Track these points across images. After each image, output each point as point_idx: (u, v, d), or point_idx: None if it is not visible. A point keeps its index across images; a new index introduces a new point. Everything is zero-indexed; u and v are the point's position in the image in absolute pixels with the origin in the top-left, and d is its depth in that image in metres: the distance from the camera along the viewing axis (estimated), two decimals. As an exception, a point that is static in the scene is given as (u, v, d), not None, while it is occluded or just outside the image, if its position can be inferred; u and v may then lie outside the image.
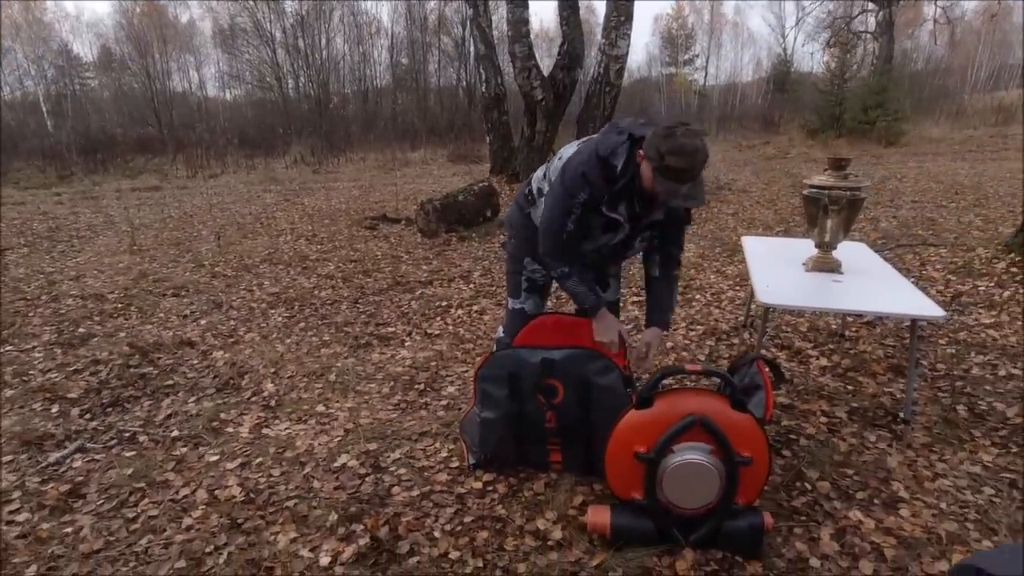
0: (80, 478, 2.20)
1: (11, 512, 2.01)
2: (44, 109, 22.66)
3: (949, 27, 21.93)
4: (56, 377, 3.05)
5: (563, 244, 1.90)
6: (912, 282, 2.65)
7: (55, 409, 2.73)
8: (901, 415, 2.34)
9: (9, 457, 2.34)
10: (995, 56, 30.31)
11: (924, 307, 2.10)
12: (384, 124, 21.24)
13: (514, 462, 2.12)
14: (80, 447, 2.40)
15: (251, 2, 23.70)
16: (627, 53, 8.03)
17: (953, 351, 2.97)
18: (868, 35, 20.96)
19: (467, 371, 3.00)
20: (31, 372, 3.13)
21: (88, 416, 2.68)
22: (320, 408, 2.69)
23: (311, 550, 1.79)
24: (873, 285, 2.39)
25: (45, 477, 2.21)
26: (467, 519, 1.90)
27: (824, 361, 2.92)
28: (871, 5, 19.83)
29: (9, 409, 2.73)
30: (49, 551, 1.81)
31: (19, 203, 9.56)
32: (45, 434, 2.49)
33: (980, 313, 3.42)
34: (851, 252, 2.79)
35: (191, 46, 27.69)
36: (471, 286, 4.46)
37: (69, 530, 1.91)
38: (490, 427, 2.05)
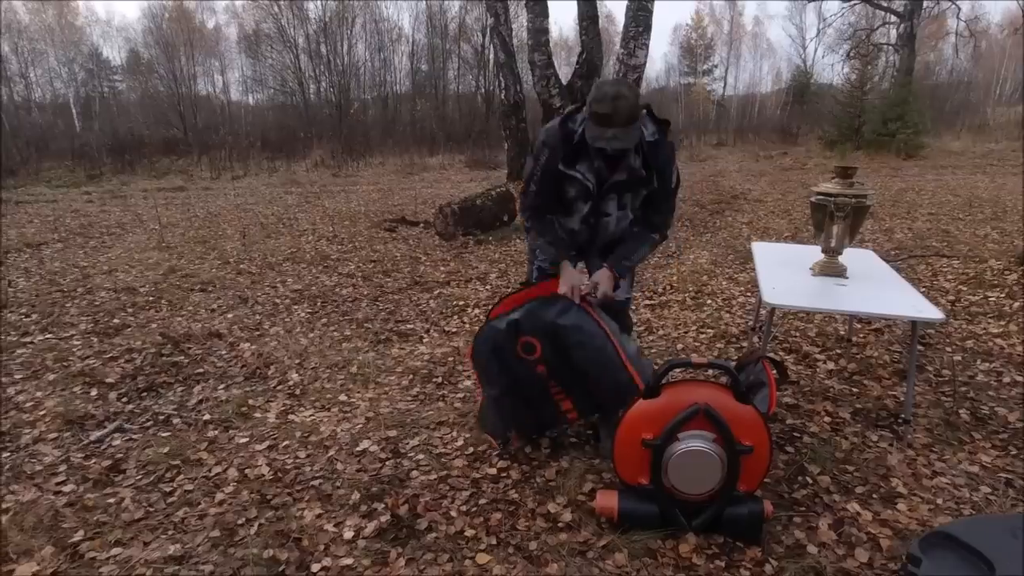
0: (120, 455, 2.34)
1: (58, 483, 2.15)
2: (74, 111, 23.30)
3: (973, 40, 21.75)
4: (94, 363, 3.22)
5: (532, 204, 2.09)
6: (922, 291, 2.72)
7: (94, 392, 2.89)
8: (902, 416, 2.42)
9: (54, 434, 2.50)
10: (1020, 70, 29.89)
11: (923, 309, 2.19)
12: (403, 129, 21.55)
13: (534, 429, 2.23)
14: (119, 427, 2.56)
15: (277, 7, 24.23)
16: (645, 63, 8.12)
17: (960, 358, 3.02)
18: (889, 47, 20.88)
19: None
20: (70, 358, 3.30)
21: (125, 399, 2.83)
22: (342, 397, 2.82)
23: (335, 525, 1.91)
24: (876, 289, 2.48)
25: (87, 453, 2.36)
26: (482, 501, 2.01)
27: (831, 365, 3.00)
28: (892, 17, 19.77)
29: (51, 391, 2.89)
30: (95, 518, 1.96)
31: (51, 200, 9.90)
32: (86, 415, 2.65)
33: (989, 323, 3.47)
34: (858, 259, 2.88)
35: (217, 51, 28.28)
36: (488, 287, 4.58)
37: (112, 501, 2.05)
38: (498, 403, 2.18)
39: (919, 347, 3.10)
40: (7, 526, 1.89)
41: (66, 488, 2.13)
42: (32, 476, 2.20)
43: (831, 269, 2.64)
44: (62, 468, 2.25)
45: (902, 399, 2.59)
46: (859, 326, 3.46)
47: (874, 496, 1.99)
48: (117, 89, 27.92)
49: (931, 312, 2.17)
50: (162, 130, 20.82)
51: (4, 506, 2.01)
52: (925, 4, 18.83)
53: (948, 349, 3.14)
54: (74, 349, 3.43)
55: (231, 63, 28.69)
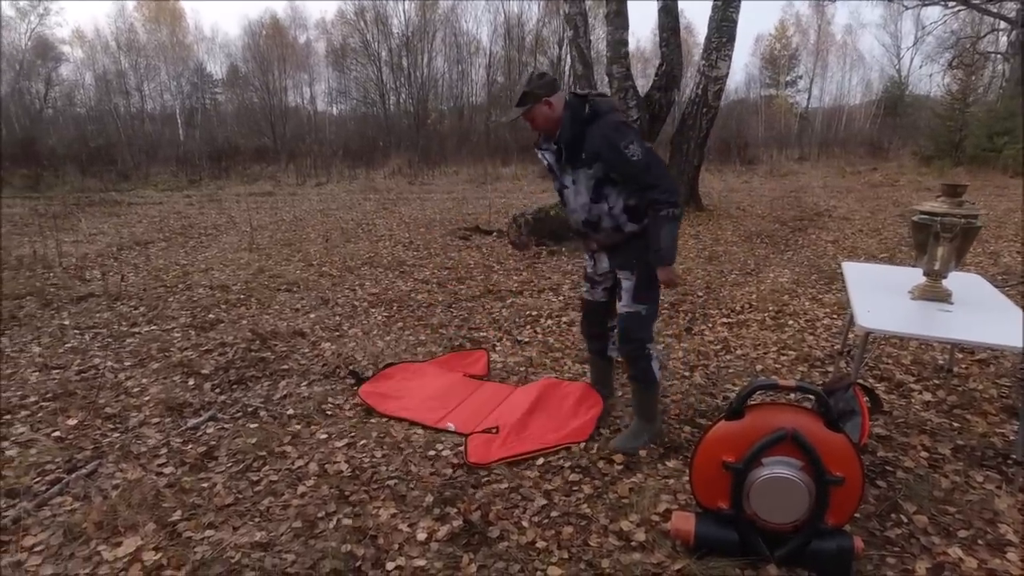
0: (213, 443, 2.50)
1: (159, 465, 2.33)
2: (179, 121, 25.28)
3: (1097, 47, 19.78)
4: (191, 355, 3.45)
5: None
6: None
7: (191, 382, 3.10)
8: (1014, 457, 2.22)
9: (156, 419, 2.70)
10: None
11: (1042, 342, 2.00)
12: (478, 139, 21.96)
13: None
14: (212, 416, 2.73)
15: (363, 22, 25.40)
16: (727, 74, 7.93)
17: (1081, 397, 2.74)
18: (998, 56, 19.35)
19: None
20: (171, 349, 3.56)
21: (218, 390, 3.02)
22: (417, 401, 2.88)
23: (409, 525, 1.96)
24: (986, 317, 2.28)
25: (185, 439, 2.53)
26: (553, 514, 2.00)
27: (928, 396, 2.79)
28: (1002, 24, 18.32)
29: (155, 379, 3.13)
30: (191, 500, 2.09)
31: (157, 203, 10.75)
32: (184, 402, 2.85)
33: (1117, 359, 3.12)
34: (964, 283, 2.67)
35: (306, 64, 29.94)
36: (560, 298, 4.58)
37: (205, 485, 2.19)
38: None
39: (1033, 382, 2.84)
40: (117, 501, 2.05)
41: (166, 470, 2.29)
42: (138, 456, 2.38)
43: (934, 293, 2.46)
44: (163, 451, 2.43)
45: (1012, 438, 2.38)
46: (960, 356, 3.20)
47: (979, 542, 1.83)
48: (217, 101, 30.10)
49: (1051, 345, 1.98)
50: (254, 139, 22.23)
51: (115, 482, 2.19)
52: (1042, 9, 17.31)
53: (1067, 386, 2.85)
54: (175, 341, 3.70)
55: (318, 76, 30.33)
